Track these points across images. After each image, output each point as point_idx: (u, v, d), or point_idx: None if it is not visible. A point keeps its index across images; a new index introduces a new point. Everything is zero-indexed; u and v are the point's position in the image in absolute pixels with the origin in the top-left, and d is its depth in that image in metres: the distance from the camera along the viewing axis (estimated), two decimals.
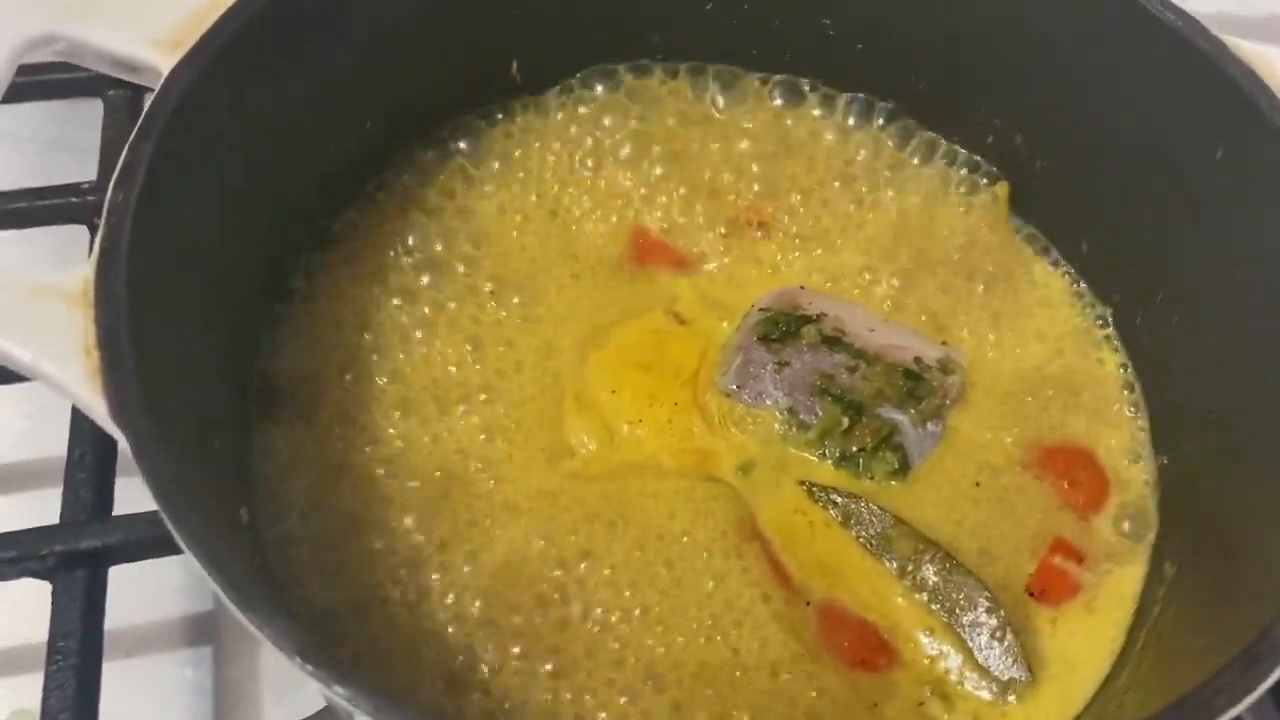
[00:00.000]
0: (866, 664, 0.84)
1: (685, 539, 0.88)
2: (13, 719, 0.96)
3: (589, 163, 1.05)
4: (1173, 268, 0.93)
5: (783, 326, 0.94)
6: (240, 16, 0.80)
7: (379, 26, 0.93)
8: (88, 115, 1.22)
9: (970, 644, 0.85)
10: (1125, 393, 0.98)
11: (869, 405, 0.92)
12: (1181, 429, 0.93)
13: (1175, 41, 0.86)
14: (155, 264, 0.72)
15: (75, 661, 0.88)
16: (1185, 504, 0.90)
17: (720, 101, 1.09)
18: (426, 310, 0.96)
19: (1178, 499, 0.91)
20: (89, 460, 0.98)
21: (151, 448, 0.63)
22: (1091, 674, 0.85)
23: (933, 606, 0.86)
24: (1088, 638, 0.87)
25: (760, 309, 0.97)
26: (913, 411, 0.92)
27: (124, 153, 0.74)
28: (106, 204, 0.72)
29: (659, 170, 1.05)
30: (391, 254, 0.98)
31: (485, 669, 0.81)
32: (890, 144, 1.08)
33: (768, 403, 0.93)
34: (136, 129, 0.75)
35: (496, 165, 1.04)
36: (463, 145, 1.05)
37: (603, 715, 0.80)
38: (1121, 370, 0.99)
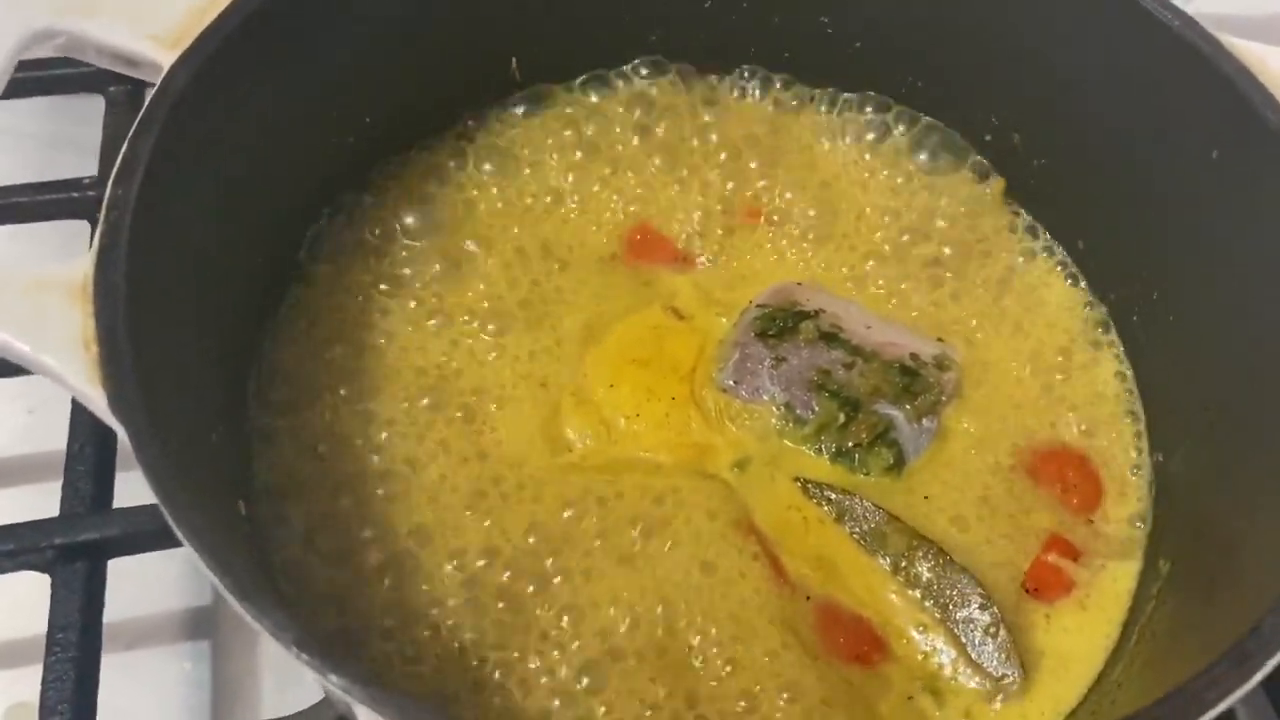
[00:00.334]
0: (860, 659, 0.84)
1: (680, 531, 0.88)
2: (11, 712, 0.96)
3: (588, 160, 1.06)
4: (1169, 266, 0.94)
5: (780, 323, 0.95)
6: (240, 13, 0.81)
7: (378, 24, 0.93)
8: (89, 111, 1.22)
9: (963, 640, 0.85)
10: (1121, 390, 0.98)
11: (865, 401, 0.92)
12: (1177, 427, 0.93)
13: (1172, 40, 0.86)
14: (154, 258, 0.73)
15: (74, 654, 0.88)
16: (1180, 502, 0.90)
17: (718, 99, 1.10)
18: (424, 307, 0.97)
19: (1173, 497, 0.91)
20: (88, 453, 0.98)
21: (150, 440, 0.64)
22: (1085, 670, 0.86)
23: (926, 603, 0.87)
24: (1081, 634, 0.87)
25: (758, 305, 0.97)
26: (908, 407, 0.93)
27: (124, 148, 0.74)
28: (106, 199, 0.72)
29: (657, 168, 1.06)
30: (390, 251, 0.99)
31: (475, 658, 0.82)
32: (888, 142, 1.08)
33: (764, 398, 0.93)
34: (136, 124, 0.75)
35: (495, 163, 1.05)
36: (462, 143, 1.05)
37: (601, 705, 0.81)
38: (1118, 367, 0.99)
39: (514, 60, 1.05)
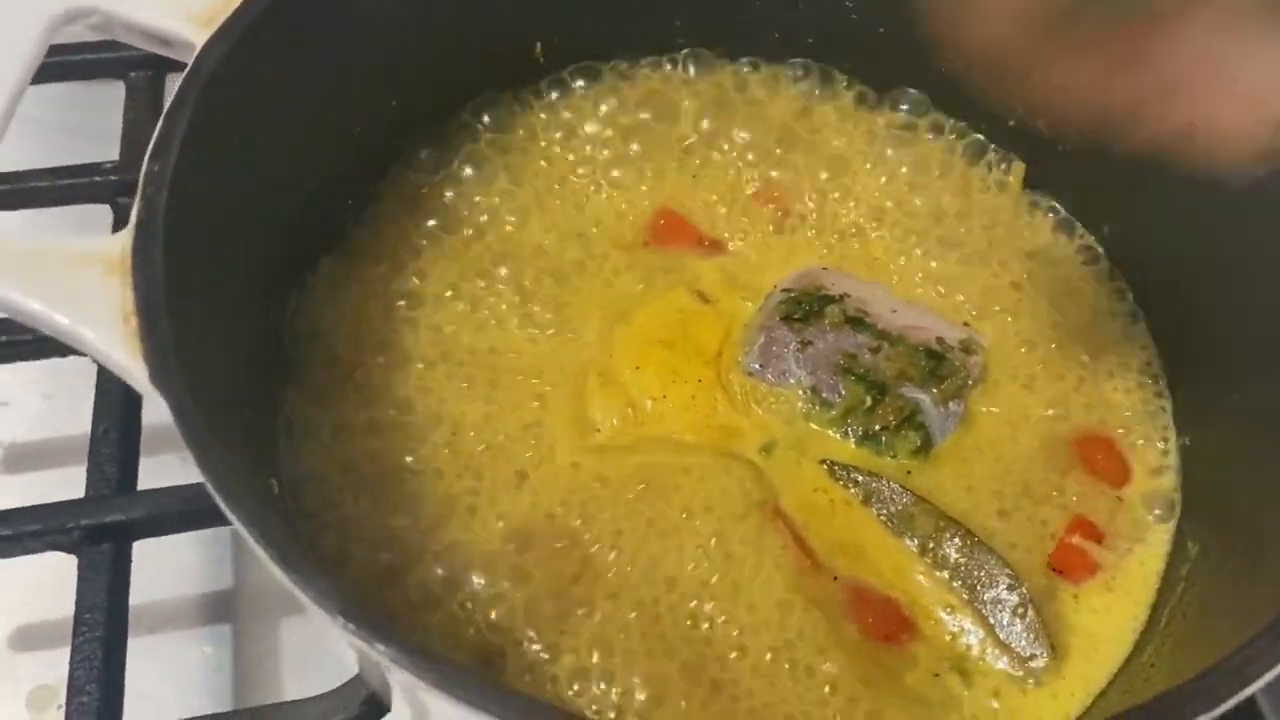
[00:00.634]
0: (889, 639, 0.84)
1: (708, 512, 0.88)
2: (35, 694, 0.96)
3: (612, 144, 1.06)
4: (1197, 252, 0.94)
5: (806, 306, 0.95)
6: None
7: (410, 4, 0.94)
8: (109, 98, 1.22)
9: (991, 621, 0.85)
10: (1149, 373, 0.98)
11: (891, 385, 0.92)
12: (1204, 411, 0.93)
13: None
14: (190, 233, 0.73)
15: (101, 634, 0.88)
16: (1208, 484, 0.90)
17: (742, 86, 1.10)
18: (452, 287, 0.97)
19: (1200, 479, 0.91)
20: (113, 437, 0.98)
21: (192, 412, 0.64)
22: (1114, 651, 0.86)
23: (954, 584, 0.87)
24: (1109, 615, 0.87)
25: (783, 289, 0.97)
26: (935, 391, 0.93)
27: (159, 125, 0.74)
28: (143, 175, 0.72)
29: (682, 153, 1.06)
30: (417, 229, 0.99)
31: (510, 636, 0.82)
32: (912, 129, 1.09)
33: (790, 382, 0.94)
34: (171, 102, 0.75)
35: (520, 145, 1.05)
36: (487, 123, 1.06)
37: (635, 679, 0.81)
38: (1145, 350, 0.99)
39: (538, 44, 1.05)
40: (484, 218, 1.01)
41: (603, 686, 0.81)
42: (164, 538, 0.95)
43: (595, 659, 0.82)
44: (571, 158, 1.05)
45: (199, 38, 0.79)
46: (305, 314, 0.93)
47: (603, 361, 0.94)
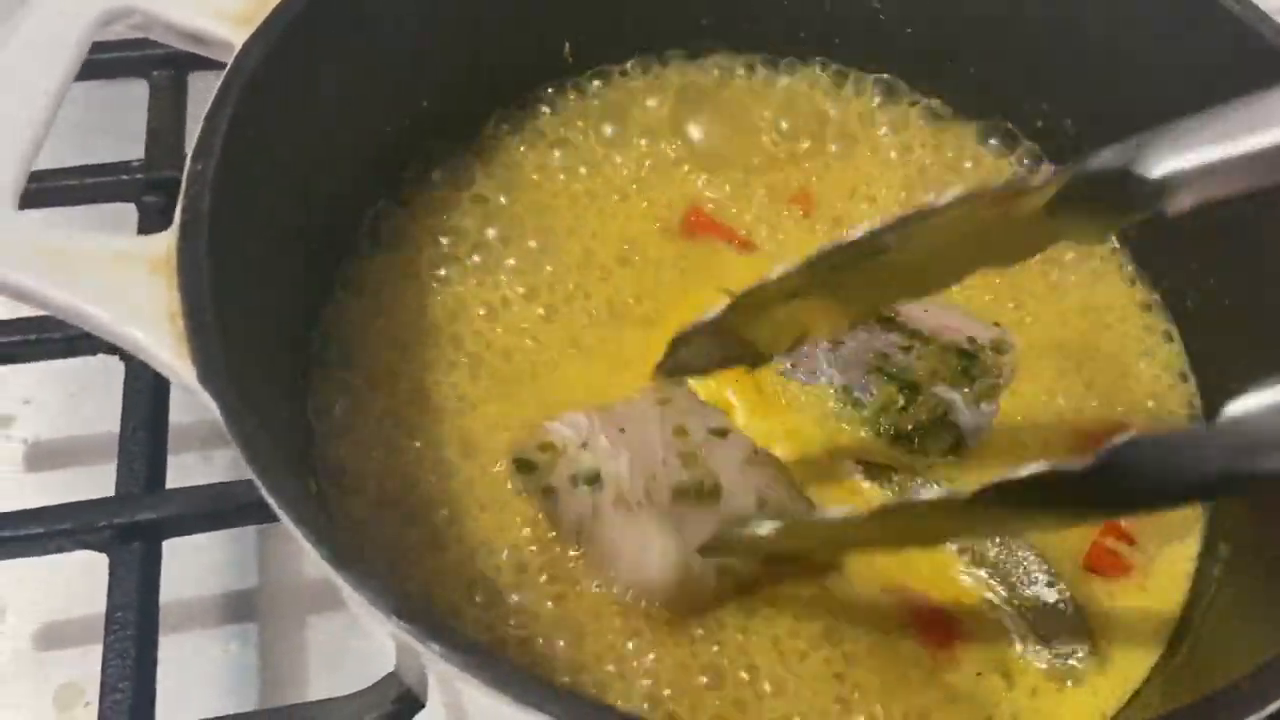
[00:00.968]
0: (931, 638, 0.84)
1: None
2: (61, 692, 0.96)
3: (641, 142, 1.06)
4: (1226, 252, 0.93)
5: None
6: None
7: (443, 3, 0.94)
8: (133, 96, 1.22)
9: (1031, 618, 0.86)
10: (1178, 373, 0.98)
11: (924, 384, 0.93)
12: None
13: (1234, 27, 0.87)
14: (233, 232, 0.73)
15: (133, 632, 0.88)
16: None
17: (771, 84, 1.10)
18: (485, 287, 0.97)
19: None
20: (141, 435, 0.98)
21: (240, 411, 0.64)
22: (1148, 651, 0.86)
23: (992, 581, 0.87)
24: (1143, 615, 0.87)
25: None
26: (966, 391, 0.93)
27: (201, 125, 0.75)
28: (185, 175, 0.73)
29: (711, 151, 1.06)
30: (450, 230, 0.99)
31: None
32: (940, 130, 1.09)
33: (822, 381, 0.94)
34: (212, 102, 0.76)
35: (549, 143, 1.05)
36: (519, 121, 1.06)
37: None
38: (1174, 351, 0.99)
39: (567, 43, 1.06)
40: (514, 219, 1.01)
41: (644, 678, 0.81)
42: (188, 536, 0.96)
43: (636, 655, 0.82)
44: (597, 157, 1.05)
45: (237, 37, 0.79)
46: (336, 312, 0.93)
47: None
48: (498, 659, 0.57)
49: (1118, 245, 1.04)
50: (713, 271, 1.00)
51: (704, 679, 0.81)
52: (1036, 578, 0.87)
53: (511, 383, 0.93)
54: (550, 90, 1.08)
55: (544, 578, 0.84)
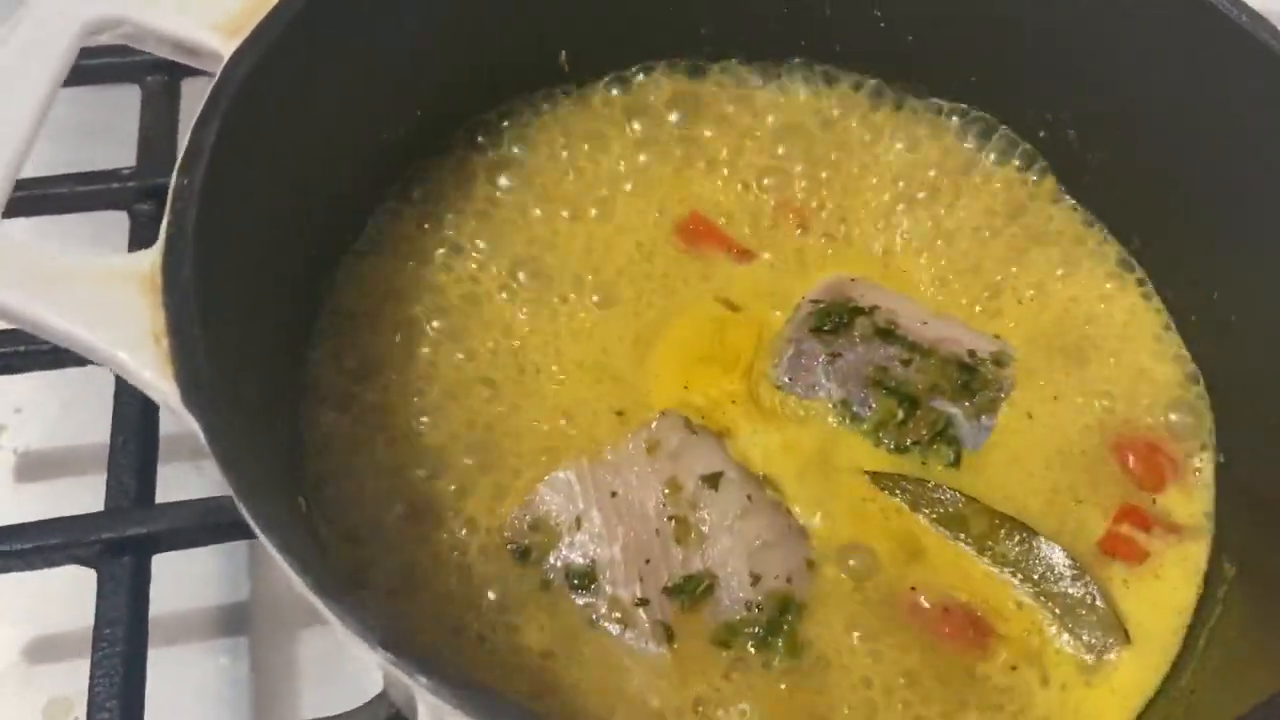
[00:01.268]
0: (964, 639, 0.84)
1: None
2: (50, 706, 0.95)
3: (637, 152, 1.05)
4: (1230, 267, 0.93)
5: (835, 318, 0.94)
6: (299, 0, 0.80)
7: (434, 11, 0.93)
8: (125, 101, 1.21)
9: (1060, 612, 0.85)
10: (1181, 387, 0.97)
11: (923, 398, 0.92)
12: (1241, 429, 0.92)
13: (1238, 37, 0.85)
14: (220, 247, 0.72)
15: (121, 649, 0.87)
16: (1245, 504, 0.90)
17: (769, 93, 1.09)
18: (478, 299, 0.96)
19: (1237, 499, 0.91)
20: (131, 448, 0.97)
21: (225, 434, 0.63)
22: (1160, 653, 0.86)
23: (1017, 579, 0.87)
24: (1157, 606, 0.87)
25: (812, 300, 0.96)
26: (967, 404, 0.92)
27: (187, 139, 0.73)
28: (171, 190, 0.71)
29: (707, 160, 1.05)
30: (442, 242, 0.98)
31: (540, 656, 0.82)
32: (941, 139, 1.08)
33: (820, 394, 0.93)
34: (200, 114, 0.75)
35: (544, 152, 1.04)
36: (512, 131, 1.05)
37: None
38: (1178, 363, 0.98)
39: (563, 52, 1.04)
40: (508, 228, 1.00)
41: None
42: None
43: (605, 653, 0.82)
44: (593, 166, 1.04)
45: (226, 48, 0.78)
46: (332, 325, 0.92)
47: (642, 382, 0.94)
48: (486, 693, 0.56)
49: (1126, 255, 1.03)
50: (710, 281, 1.00)
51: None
52: (1061, 572, 0.86)
53: (509, 397, 0.92)
54: (546, 99, 1.06)
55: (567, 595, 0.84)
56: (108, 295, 0.67)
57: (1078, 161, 1.02)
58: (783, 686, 0.82)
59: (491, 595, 0.83)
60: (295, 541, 0.61)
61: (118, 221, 1.12)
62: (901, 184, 1.05)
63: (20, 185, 1.06)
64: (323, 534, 0.82)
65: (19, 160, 0.74)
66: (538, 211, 1.01)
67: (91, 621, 0.89)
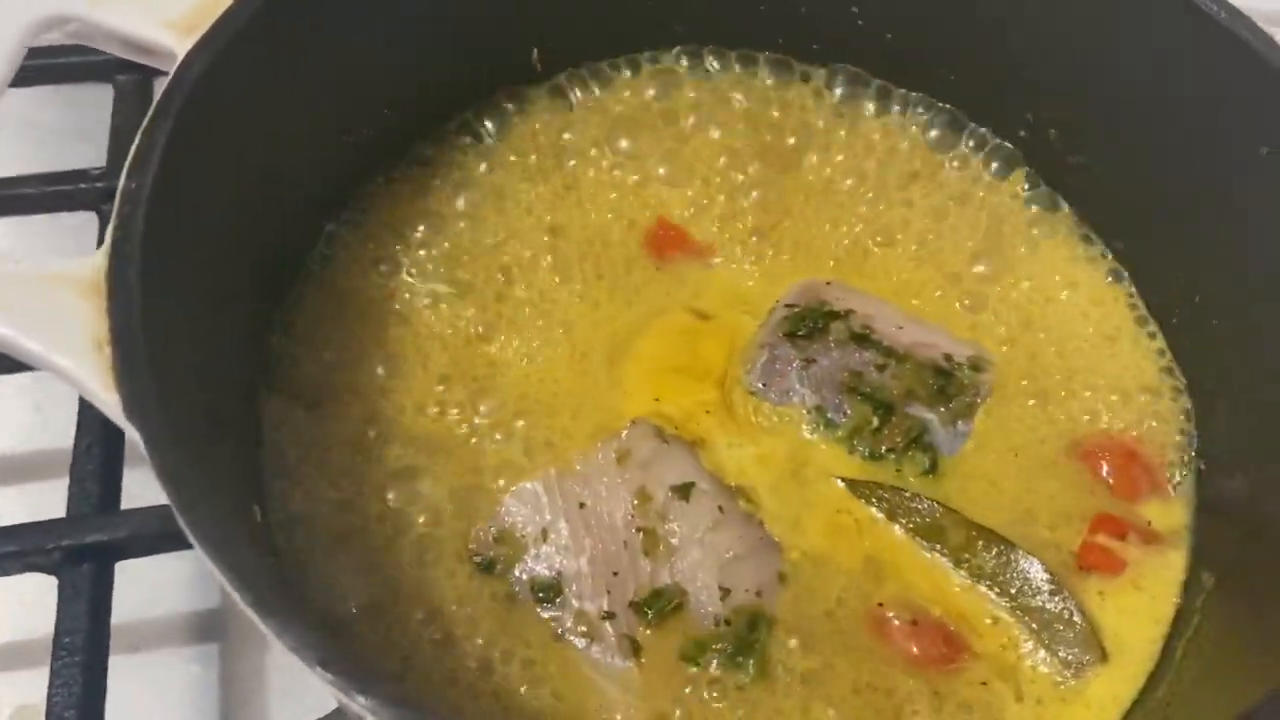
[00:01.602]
0: (936, 654, 0.83)
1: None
2: (17, 714, 0.94)
3: (607, 151, 1.03)
4: (1211, 268, 0.91)
5: (809, 323, 0.93)
6: None
7: (397, 10, 0.91)
8: (97, 100, 1.20)
9: (1036, 627, 0.84)
10: (1161, 392, 0.95)
11: (899, 404, 0.90)
12: (1221, 436, 0.91)
13: (1219, 34, 0.84)
14: (168, 254, 0.70)
15: (81, 658, 0.86)
16: (1224, 513, 0.88)
17: (743, 91, 1.07)
18: (440, 308, 0.94)
19: (1216, 508, 0.89)
20: (96, 452, 0.96)
21: (165, 445, 0.61)
22: (1137, 665, 0.84)
23: (993, 593, 0.85)
24: (1135, 617, 0.86)
25: (786, 304, 0.95)
26: (943, 410, 0.90)
27: (137, 139, 0.72)
28: (119, 193, 0.70)
29: (679, 160, 1.03)
30: (404, 247, 0.96)
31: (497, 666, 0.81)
32: (917, 136, 1.06)
33: (794, 401, 0.91)
34: (150, 115, 0.73)
35: (509, 161, 1.02)
36: (480, 133, 1.03)
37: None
38: (1161, 367, 0.96)
39: (535, 50, 1.03)
40: (469, 235, 0.98)
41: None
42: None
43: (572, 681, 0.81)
44: (563, 167, 1.02)
45: (180, 46, 0.76)
46: (286, 333, 0.91)
47: (612, 396, 0.92)
48: (423, 714, 0.54)
49: (1109, 256, 1.01)
50: (681, 289, 0.98)
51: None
52: (1039, 587, 0.85)
53: (474, 410, 0.90)
54: (516, 99, 1.05)
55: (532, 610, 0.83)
56: (49, 300, 0.66)
57: (1059, 162, 1.01)
58: (748, 705, 0.80)
59: (454, 608, 0.82)
60: (236, 557, 0.59)
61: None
62: (878, 184, 1.04)
63: None
64: (279, 544, 0.81)
65: None
66: (501, 222, 0.99)
67: None
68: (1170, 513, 0.91)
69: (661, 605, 0.81)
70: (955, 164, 1.05)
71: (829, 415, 0.91)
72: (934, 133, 1.06)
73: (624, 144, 1.04)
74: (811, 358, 0.91)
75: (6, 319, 0.66)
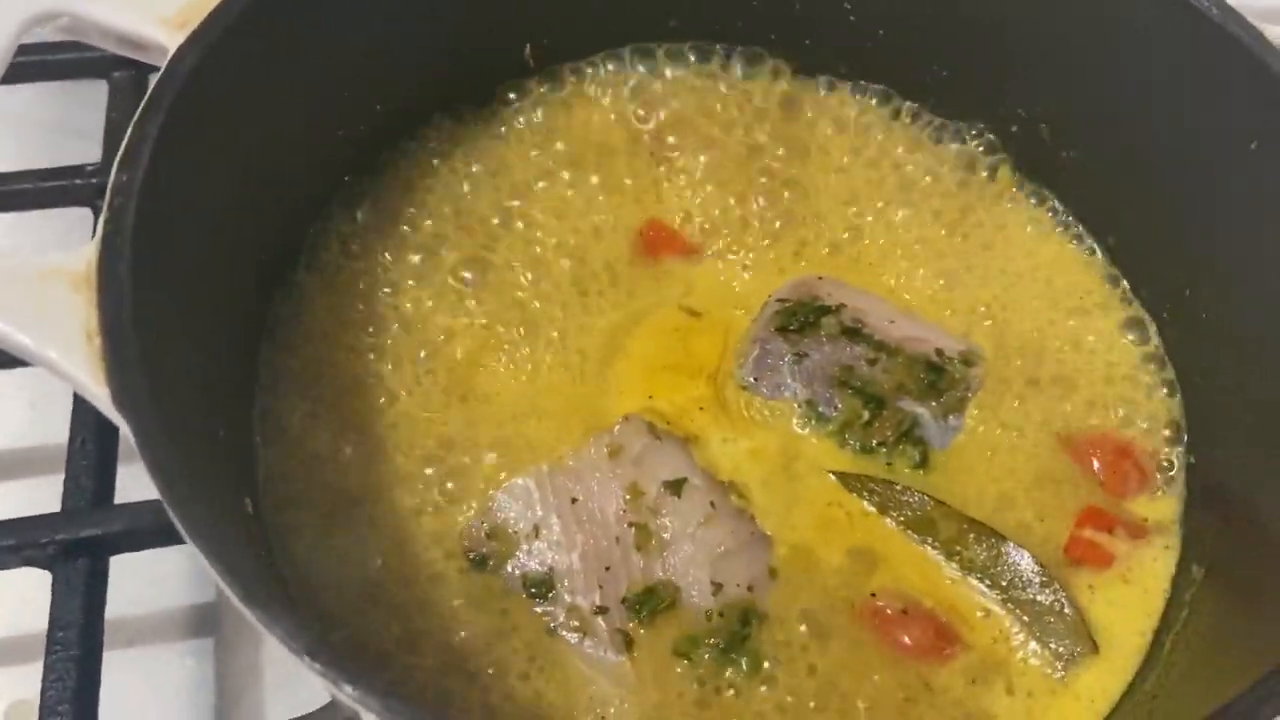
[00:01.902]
0: (927, 647, 0.83)
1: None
2: (12, 709, 0.94)
3: (601, 151, 1.03)
4: (1201, 263, 0.91)
5: (801, 317, 0.93)
6: None
7: (389, 6, 0.91)
8: (92, 97, 1.20)
9: (1027, 619, 0.84)
10: (1152, 386, 0.96)
11: (890, 398, 0.90)
12: (1212, 429, 0.91)
13: (1210, 30, 0.84)
14: (160, 247, 0.70)
15: (75, 652, 0.86)
16: (1214, 507, 0.88)
17: (736, 87, 1.07)
18: (433, 306, 0.94)
19: (1207, 500, 0.89)
20: (90, 447, 0.96)
21: (156, 437, 0.62)
22: (1126, 658, 0.85)
23: (984, 586, 0.85)
24: (1125, 610, 0.86)
25: (778, 299, 0.95)
26: (934, 404, 0.91)
27: (128, 133, 0.72)
28: (110, 185, 0.70)
29: (670, 159, 1.03)
30: (397, 244, 0.96)
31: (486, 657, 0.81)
32: (908, 132, 1.06)
33: (786, 395, 0.91)
34: (141, 109, 0.73)
35: (507, 152, 1.02)
36: (470, 131, 1.03)
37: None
38: (1151, 361, 0.97)
39: (527, 45, 1.03)
40: (465, 230, 0.98)
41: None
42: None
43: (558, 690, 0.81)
44: (559, 165, 1.02)
45: (172, 42, 0.76)
46: (280, 327, 0.91)
47: (606, 398, 0.92)
48: (409, 704, 0.54)
49: (1099, 249, 1.01)
50: (671, 287, 0.98)
51: None
52: (1030, 579, 0.85)
53: (468, 409, 0.91)
54: (508, 93, 1.05)
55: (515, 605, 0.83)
56: (40, 294, 0.66)
57: (1051, 158, 1.01)
58: (740, 698, 0.81)
59: (446, 603, 0.82)
60: (226, 550, 0.59)
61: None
62: (868, 180, 1.04)
63: None
64: (270, 537, 0.81)
65: None
66: (494, 218, 0.99)
67: None
68: (1160, 506, 0.91)
69: (654, 605, 0.82)
70: (947, 160, 1.05)
71: (820, 409, 0.91)
72: (925, 128, 1.06)
73: (617, 143, 1.04)
74: (803, 352, 0.92)
75: None
